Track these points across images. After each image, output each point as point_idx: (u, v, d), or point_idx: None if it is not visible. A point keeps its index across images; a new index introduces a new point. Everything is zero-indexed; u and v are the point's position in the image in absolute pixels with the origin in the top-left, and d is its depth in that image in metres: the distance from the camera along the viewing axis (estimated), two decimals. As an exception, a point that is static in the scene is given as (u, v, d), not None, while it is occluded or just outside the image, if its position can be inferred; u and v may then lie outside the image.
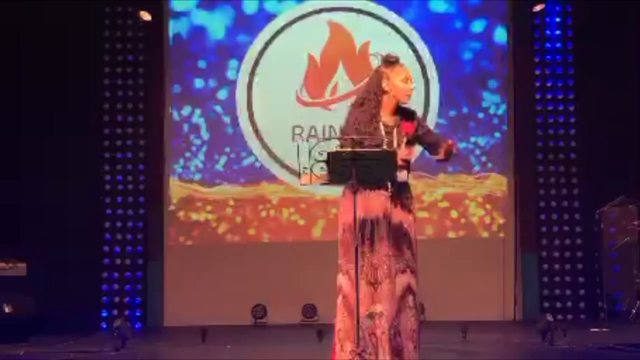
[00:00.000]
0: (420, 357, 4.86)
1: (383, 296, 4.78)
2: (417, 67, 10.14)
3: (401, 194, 4.93)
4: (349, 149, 4.72)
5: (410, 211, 4.95)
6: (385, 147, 4.84)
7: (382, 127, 4.92)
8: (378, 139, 4.85)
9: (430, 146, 5.06)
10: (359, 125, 4.90)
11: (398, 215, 4.89)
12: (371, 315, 4.78)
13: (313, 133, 10.09)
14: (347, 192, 4.93)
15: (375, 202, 4.84)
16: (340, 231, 4.94)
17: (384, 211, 4.84)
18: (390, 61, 5.01)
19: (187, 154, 10.23)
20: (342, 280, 4.88)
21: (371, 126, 4.90)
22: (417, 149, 5.17)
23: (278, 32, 10.31)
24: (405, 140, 4.92)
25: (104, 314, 9.83)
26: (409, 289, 4.85)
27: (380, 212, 4.84)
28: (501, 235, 10.13)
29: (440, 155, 4.97)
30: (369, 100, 4.98)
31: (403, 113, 5.02)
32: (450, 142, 4.91)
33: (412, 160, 5.02)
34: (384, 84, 4.96)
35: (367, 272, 4.81)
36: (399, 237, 4.87)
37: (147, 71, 10.22)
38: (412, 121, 5.01)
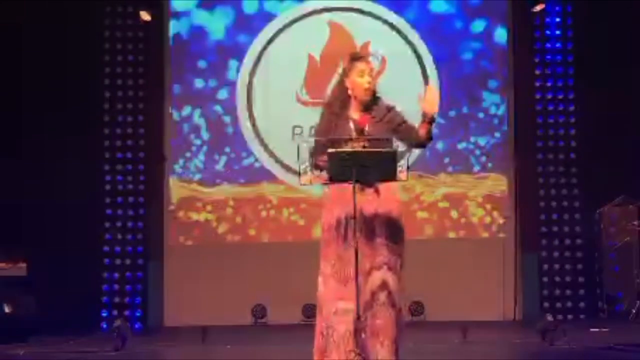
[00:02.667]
0: (396, 357, 4.69)
1: (353, 293, 4.62)
2: (417, 67, 10.16)
3: (377, 188, 4.80)
4: (350, 149, 4.70)
5: (390, 205, 4.81)
6: (354, 141, 4.76)
7: (351, 124, 4.88)
8: (347, 135, 4.78)
9: (407, 137, 4.89)
10: (333, 126, 4.88)
11: (372, 209, 4.77)
12: (337, 312, 4.70)
13: (313, 133, 10.07)
14: (326, 192, 4.89)
15: (350, 198, 4.66)
16: (322, 232, 4.88)
17: (359, 207, 4.68)
18: (352, 58, 4.99)
19: (187, 154, 10.23)
20: (319, 280, 4.84)
21: (340, 123, 4.87)
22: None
23: (278, 32, 10.31)
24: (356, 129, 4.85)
25: (104, 314, 9.83)
26: (382, 286, 4.70)
27: (353, 208, 4.66)
28: (501, 235, 10.12)
29: (422, 135, 4.82)
30: (335, 99, 4.98)
31: (367, 108, 4.93)
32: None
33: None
34: (346, 81, 4.96)
35: (338, 269, 4.73)
36: (374, 232, 4.74)
37: (147, 71, 10.22)
38: (369, 114, 4.90)
